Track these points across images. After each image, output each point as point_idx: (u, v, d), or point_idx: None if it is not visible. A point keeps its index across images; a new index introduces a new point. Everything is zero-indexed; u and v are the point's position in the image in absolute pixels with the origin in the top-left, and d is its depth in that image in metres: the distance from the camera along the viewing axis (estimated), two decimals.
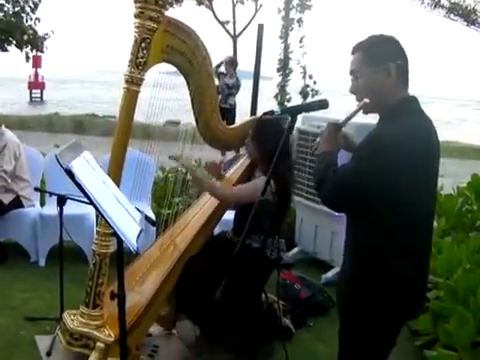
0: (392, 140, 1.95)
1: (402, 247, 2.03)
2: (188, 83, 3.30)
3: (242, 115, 4.11)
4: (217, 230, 3.90)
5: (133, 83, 3.02)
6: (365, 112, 2.19)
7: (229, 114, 9.86)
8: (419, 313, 2.25)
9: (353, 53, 2.17)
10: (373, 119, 2.27)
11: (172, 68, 3.25)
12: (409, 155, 1.94)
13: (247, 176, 3.60)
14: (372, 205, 2.00)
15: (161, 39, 3.05)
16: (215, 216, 3.56)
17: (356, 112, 2.19)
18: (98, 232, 3.17)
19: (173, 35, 3.09)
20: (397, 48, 2.12)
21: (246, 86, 8.09)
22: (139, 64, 3.00)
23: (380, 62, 2.08)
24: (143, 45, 2.99)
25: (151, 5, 2.95)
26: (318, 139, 2.28)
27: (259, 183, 3.18)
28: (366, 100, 2.12)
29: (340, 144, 2.29)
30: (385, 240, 2.03)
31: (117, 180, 2.95)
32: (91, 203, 2.00)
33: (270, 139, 3.33)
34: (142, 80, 3.04)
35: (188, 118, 3.46)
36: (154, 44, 3.02)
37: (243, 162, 3.83)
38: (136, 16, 2.99)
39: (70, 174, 1.92)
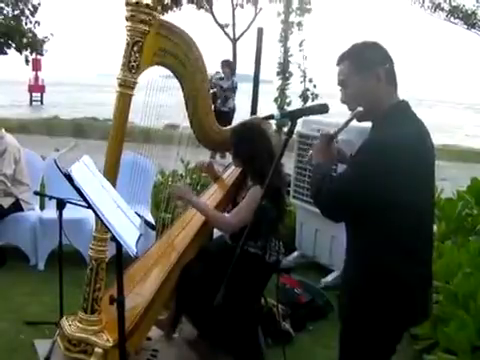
0: (385, 145, 1.95)
1: (402, 252, 2.01)
2: (182, 85, 3.29)
3: (242, 119, 4.12)
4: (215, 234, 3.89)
5: (126, 87, 3.00)
6: (359, 120, 2.16)
7: (227, 117, 9.84)
8: (422, 320, 2.23)
9: (338, 64, 2.15)
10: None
11: (168, 71, 3.24)
12: (401, 159, 1.93)
13: (242, 177, 3.58)
14: (370, 211, 1.99)
15: (153, 42, 3.04)
16: None
17: (349, 121, 2.17)
18: (94, 237, 3.14)
19: (165, 37, 3.08)
20: (382, 52, 2.11)
21: (246, 89, 8.10)
22: (132, 67, 2.99)
23: (368, 68, 2.07)
24: (135, 48, 2.97)
25: (142, 8, 2.93)
26: (310, 152, 2.27)
27: (252, 197, 3.18)
28: (360, 108, 2.10)
29: (334, 155, 2.27)
30: (384, 246, 2.02)
31: (112, 184, 2.93)
32: (90, 208, 2.00)
33: (244, 144, 3.34)
34: (135, 83, 3.02)
35: (186, 121, 3.45)
36: (146, 47, 3.00)
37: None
38: (127, 19, 2.97)
39: (69, 179, 1.92)
